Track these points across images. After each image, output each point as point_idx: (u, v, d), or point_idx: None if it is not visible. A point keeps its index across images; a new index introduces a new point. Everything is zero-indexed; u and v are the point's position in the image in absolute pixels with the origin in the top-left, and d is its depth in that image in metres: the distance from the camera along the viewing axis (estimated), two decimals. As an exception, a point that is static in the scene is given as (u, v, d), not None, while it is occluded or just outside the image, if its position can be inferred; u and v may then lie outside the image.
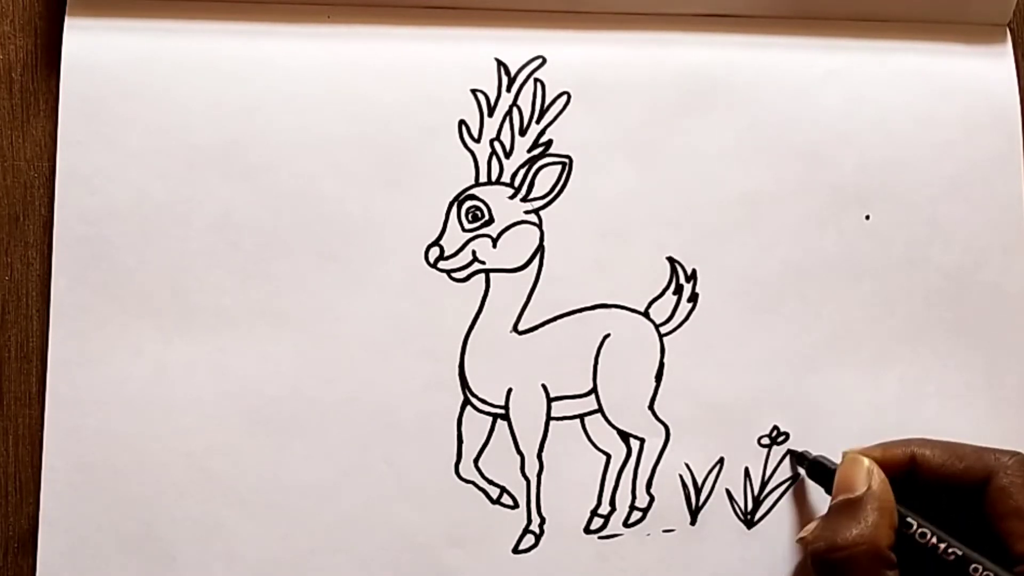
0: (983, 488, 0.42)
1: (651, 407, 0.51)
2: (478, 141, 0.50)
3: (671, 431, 0.51)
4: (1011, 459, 0.42)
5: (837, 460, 0.48)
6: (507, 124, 0.50)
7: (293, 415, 0.49)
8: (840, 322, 0.52)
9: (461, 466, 0.49)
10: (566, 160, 0.51)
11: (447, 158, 0.50)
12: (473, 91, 0.50)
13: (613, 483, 0.50)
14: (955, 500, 0.44)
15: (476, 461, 0.50)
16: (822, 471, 0.48)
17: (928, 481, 0.43)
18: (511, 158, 0.50)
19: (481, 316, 0.50)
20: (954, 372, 0.52)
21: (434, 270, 0.50)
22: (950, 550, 0.43)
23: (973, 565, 0.43)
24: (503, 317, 0.50)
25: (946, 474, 0.42)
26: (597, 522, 0.50)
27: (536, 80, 0.51)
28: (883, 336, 0.52)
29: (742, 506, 0.51)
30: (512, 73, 0.51)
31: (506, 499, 0.50)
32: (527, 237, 0.50)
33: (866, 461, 0.42)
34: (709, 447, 0.51)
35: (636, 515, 0.50)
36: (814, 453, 0.50)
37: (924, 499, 0.45)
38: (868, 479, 0.42)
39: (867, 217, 0.52)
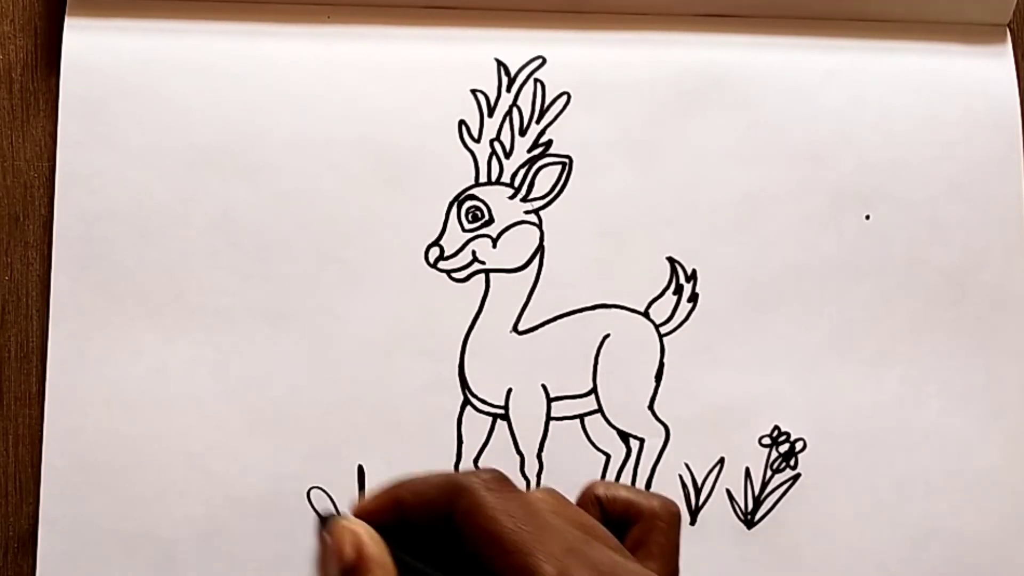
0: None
1: (651, 407, 0.50)
2: (478, 141, 0.50)
3: (671, 431, 0.51)
4: (477, 479, 0.37)
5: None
6: (507, 124, 0.50)
7: (293, 415, 0.49)
8: (840, 322, 0.52)
9: (461, 466, 0.49)
10: (566, 160, 0.51)
11: (447, 158, 0.50)
12: (473, 91, 0.50)
13: (613, 483, 0.50)
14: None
15: (476, 461, 0.50)
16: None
17: (419, 518, 0.39)
18: (511, 158, 0.50)
19: (481, 316, 0.50)
20: (954, 372, 0.52)
21: (434, 270, 0.50)
22: None
23: None
24: (503, 317, 0.50)
25: (423, 511, 0.38)
26: (597, 522, 0.50)
27: (536, 80, 0.51)
28: (883, 336, 0.52)
29: (742, 506, 0.51)
30: (512, 73, 0.51)
31: (506, 499, 0.50)
32: (527, 237, 0.50)
33: (352, 526, 0.39)
34: (709, 447, 0.51)
35: (636, 515, 0.50)
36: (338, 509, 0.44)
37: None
38: (355, 545, 0.39)
39: (867, 217, 0.52)
